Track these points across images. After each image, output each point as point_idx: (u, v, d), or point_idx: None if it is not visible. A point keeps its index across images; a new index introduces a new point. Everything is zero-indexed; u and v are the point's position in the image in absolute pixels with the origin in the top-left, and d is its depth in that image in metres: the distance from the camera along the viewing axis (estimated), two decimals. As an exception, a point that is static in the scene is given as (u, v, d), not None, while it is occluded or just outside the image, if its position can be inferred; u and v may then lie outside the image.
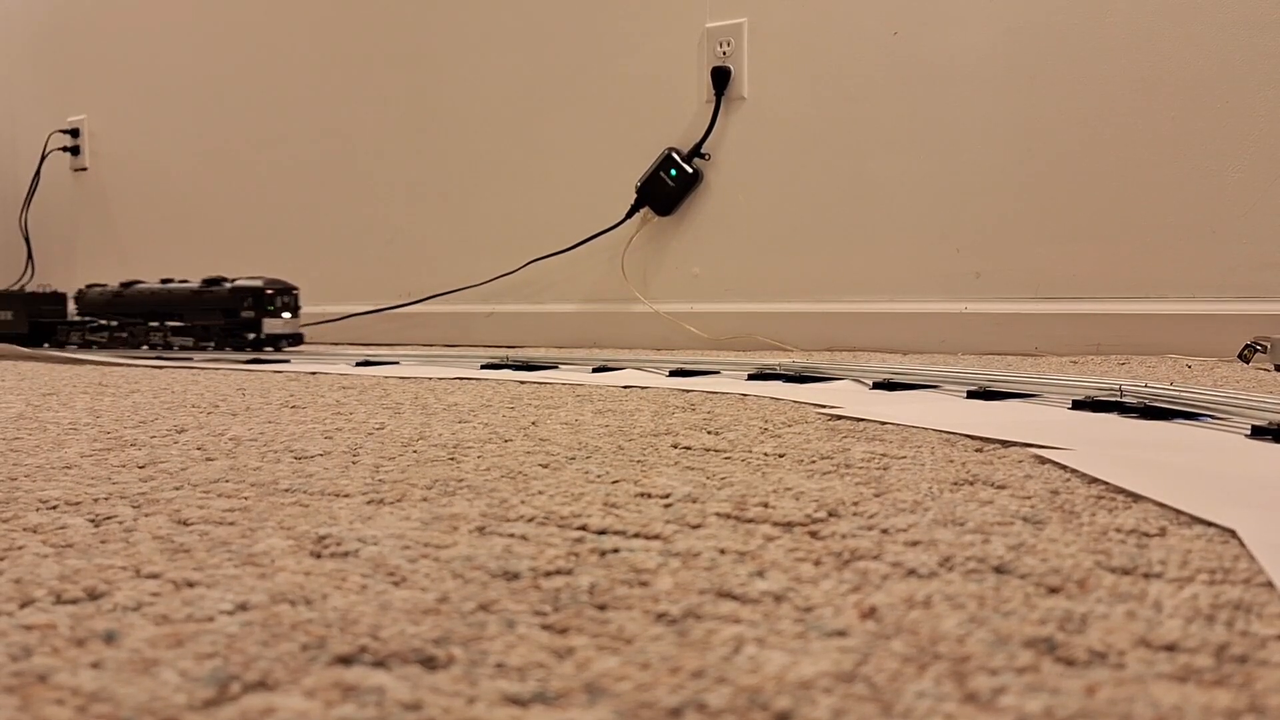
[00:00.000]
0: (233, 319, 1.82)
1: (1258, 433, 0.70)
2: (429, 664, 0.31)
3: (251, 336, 1.82)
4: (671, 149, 1.94)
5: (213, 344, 1.83)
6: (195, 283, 1.90)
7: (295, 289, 1.87)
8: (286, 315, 1.84)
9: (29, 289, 2.23)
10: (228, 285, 1.85)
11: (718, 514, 0.50)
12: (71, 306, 2.10)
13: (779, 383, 1.18)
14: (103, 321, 2.00)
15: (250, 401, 1.08)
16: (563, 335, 2.10)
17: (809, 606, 0.35)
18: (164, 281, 1.96)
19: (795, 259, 1.87)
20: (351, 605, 0.36)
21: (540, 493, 0.56)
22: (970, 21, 1.70)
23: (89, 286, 2.04)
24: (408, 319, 2.29)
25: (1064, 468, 0.61)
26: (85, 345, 2.00)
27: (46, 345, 2.06)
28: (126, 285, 1.99)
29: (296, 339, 1.86)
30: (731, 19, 1.90)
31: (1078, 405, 0.88)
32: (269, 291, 1.82)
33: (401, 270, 2.34)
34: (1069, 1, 1.62)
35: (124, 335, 1.95)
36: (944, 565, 0.40)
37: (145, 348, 1.91)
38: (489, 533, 0.47)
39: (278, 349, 1.83)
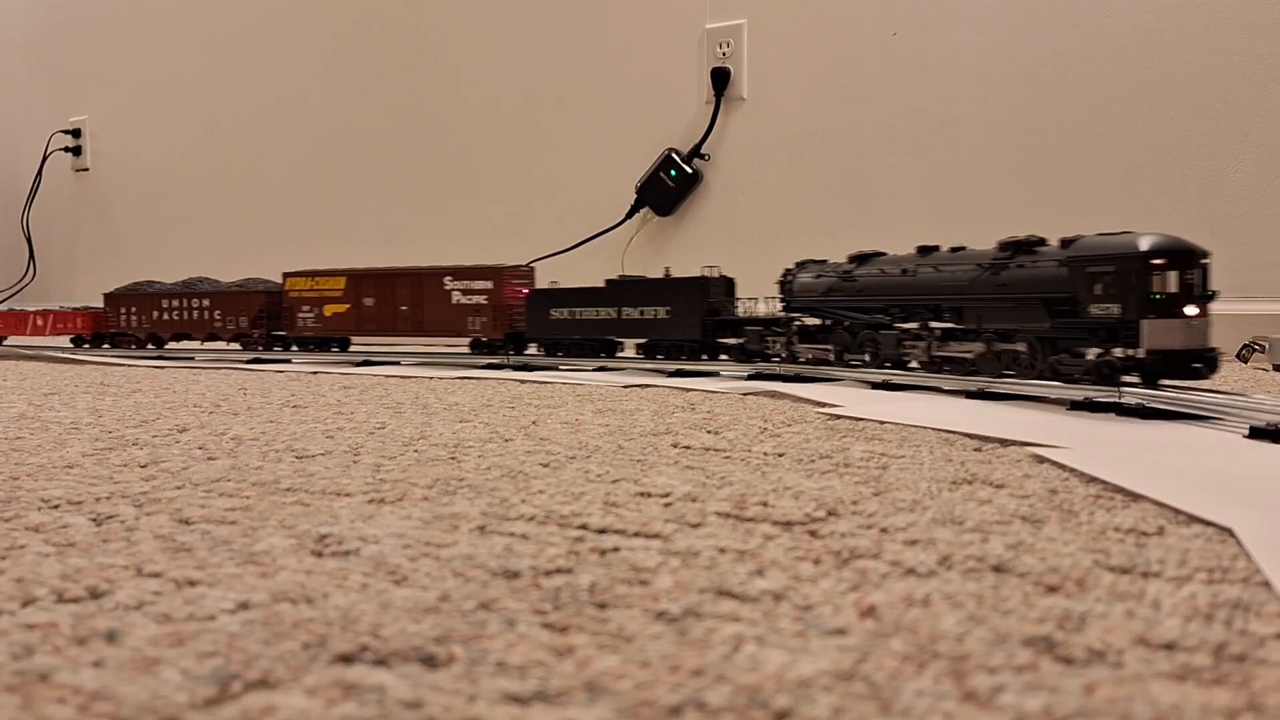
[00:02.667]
0: (1074, 320, 0.93)
1: (1256, 434, 0.70)
2: (430, 662, 0.31)
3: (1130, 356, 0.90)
4: (671, 149, 1.95)
5: (1076, 370, 0.93)
6: (989, 250, 1.04)
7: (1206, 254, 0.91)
8: (1191, 311, 0.88)
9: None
10: (1065, 251, 0.96)
11: (717, 513, 0.50)
12: (742, 309, 1.40)
13: (779, 382, 1.18)
14: (819, 321, 1.27)
15: (252, 401, 1.08)
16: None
17: (808, 605, 0.36)
18: (923, 252, 1.12)
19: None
20: (352, 604, 0.36)
21: (541, 492, 0.56)
22: (969, 22, 1.70)
23: (800, 266, 1.30)
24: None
25: (1063, 467, 0.61)
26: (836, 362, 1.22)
27: (757, 363, 1.30)
28: (862, 259, 1.20)
29: (1208, 363, 0.89)
30: (731, 20, 1.91)
31: (1076, 406, 0.88)
32: (1163, 261, 0.88)
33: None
34: (1068, 2, 1.62)
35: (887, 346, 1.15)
36: (943, 564, 0.40)
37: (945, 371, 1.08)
38: (489, 532, 0.47)
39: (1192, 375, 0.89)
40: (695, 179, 1.94)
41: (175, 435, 0.82)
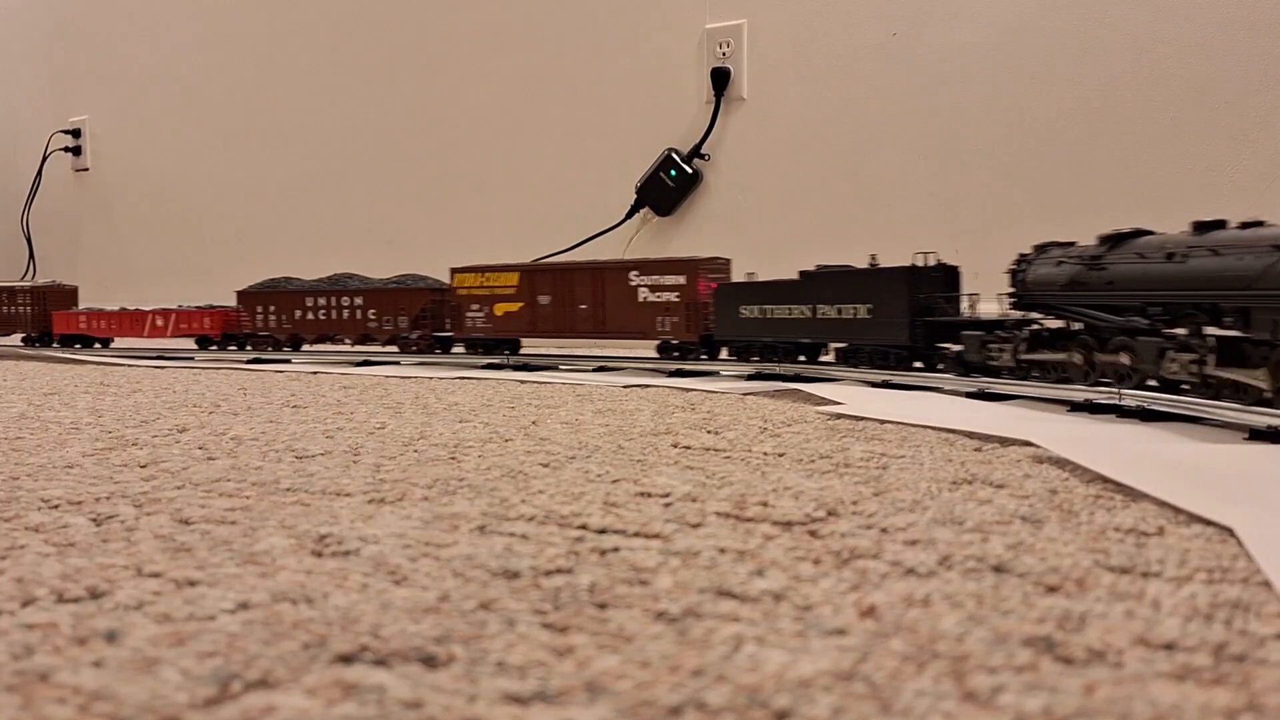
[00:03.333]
0: None
1: (1256, 436, 0.70)
2: (430, 662, 0.31)
3: None
4: (671, 149, 1.94)
5: None
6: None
7: None
8: None
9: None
10: None
11: (717, 513, 0.50)
12: (967, 306, 1.16)
13: (779, 382, 1.18)
14: (1061, 323, 1.00)
15: (252, 401, 1.08)
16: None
17: (808, 605, 0.36)
18: (1200, 229, 0.89)
19: (795, 258, 1.87)
20: (352, 604, 0.36)
21: (540, 492, 0.56)
22: (969, 22, 1.70)
23: (1040, 250, 1.04)
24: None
25: (1063, 467, 0.61)
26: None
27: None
28: (1116, 240, 0.95)
29: None
30: (731, 20, 1.90)
31: (1077, 408, 0.88)
32: None
33: (402, 270, 2.34)
34: (1068, 2, 1.62)
35: None
36: (943, 564, 0.40)
37: None
38: (489, 532, 0.47)
39: None
40: (695, 179, 1.94)
41: (175, 435, 0.82)
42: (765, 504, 0.51)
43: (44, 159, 2.99)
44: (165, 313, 2.02)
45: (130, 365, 1.76)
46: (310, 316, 1.85)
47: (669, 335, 1.44)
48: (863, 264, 1.23)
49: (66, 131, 2.97)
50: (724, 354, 1.40)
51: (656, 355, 1.47)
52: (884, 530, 0.46)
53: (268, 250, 2.59)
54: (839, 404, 0.96)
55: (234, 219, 2.67)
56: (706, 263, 1.45)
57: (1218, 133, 1.55)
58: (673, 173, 1.95)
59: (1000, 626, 0.33)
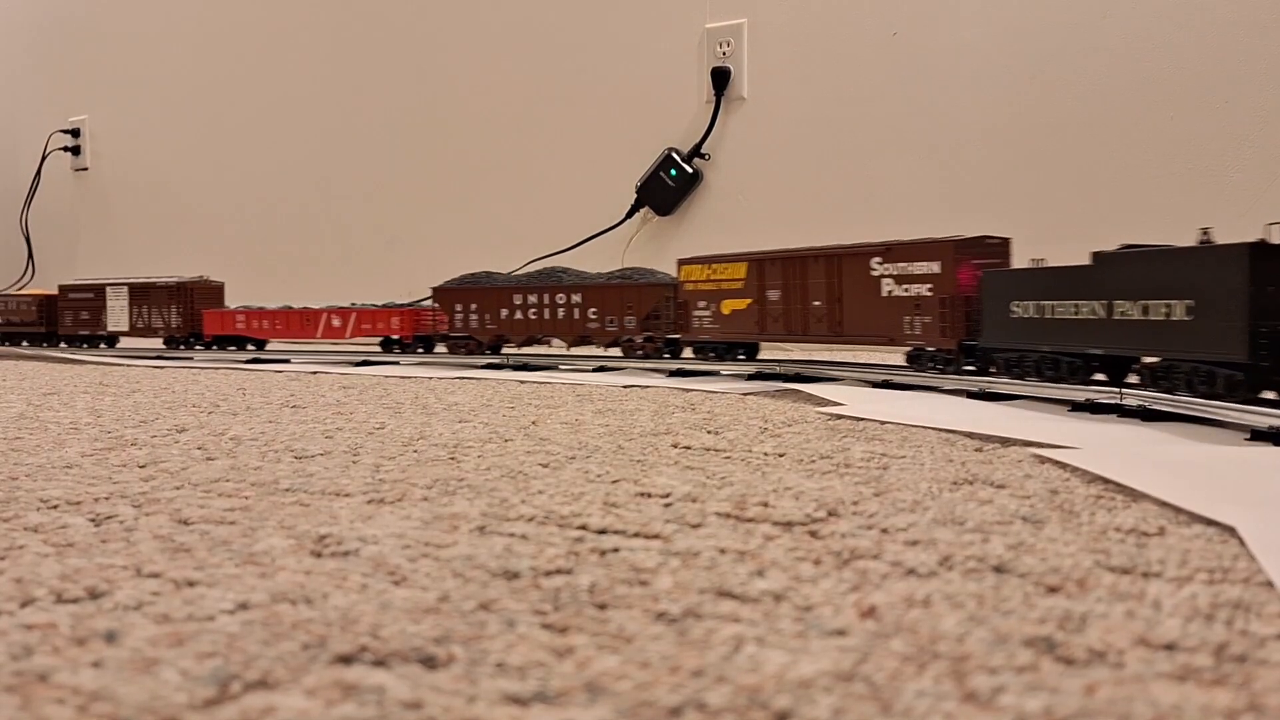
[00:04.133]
0: None
1: (1258, 436, 0.70)
2: (429, 663, 0.31)
3: None
4: (671, 149, 1.94)
5: None
6: None
7: None
8: None
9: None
10: None
11: (717, 513, 0.50)
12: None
13: (779, 382, 1.18)
14: None
15: (251, 401, 1.08)
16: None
17: (809, 606, 0.36)
18: None
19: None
20: (352, 604, 0.36)
21: (540, 492, 0.56)
22: (969, 22, 1.70)
23: None
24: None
25: (1064, 467, 0.61)
26: None
27: None
28: None
29: None
30: (731, 19, 1.90)
31: (1078, 408, 0.88)
32: None
33: (401, 269, 2.34)
34: (1069, 2, 1.62)
35: None
36: (943, 564, 0.40)
37: None
38: (489, 532, 0.47)
39: None
40: (695, 178, 1.94)
41: (174, 435, 0.82)
42: (766, 504, 0.51)
43: (43, 158, 2.99)
44: (343, 312, 1.78)
45: (129, 365, 1.75)
46: (519, 316, 1.61)
47: (919, 340, 1.11)
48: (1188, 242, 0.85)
49: (66, 131, 2.97)
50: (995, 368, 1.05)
51: (906, 364, 1.15)
52: (885, 531, 0.46)
53: (267, 249, 2.59)
54: (839, 404, 0.96)
55: (233, 218, 2.67)
56: (971, 244, 1.10)
57: (1218, 132, 1.55)
58: (673, 172, 1.95)
59: (1001, 627, 0.33)
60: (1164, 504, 0.51)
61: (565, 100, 2.12)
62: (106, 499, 0.56)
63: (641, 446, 0.72)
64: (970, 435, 0.75)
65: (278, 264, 2.57)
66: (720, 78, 1.89)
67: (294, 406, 1.02)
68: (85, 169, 2.95)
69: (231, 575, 0.40)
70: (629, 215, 2.00)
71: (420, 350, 1.74)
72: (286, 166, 2.55)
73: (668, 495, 0.54)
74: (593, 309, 1.54)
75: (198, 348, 1.98)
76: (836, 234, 1.82)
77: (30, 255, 3.06)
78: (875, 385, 1.10)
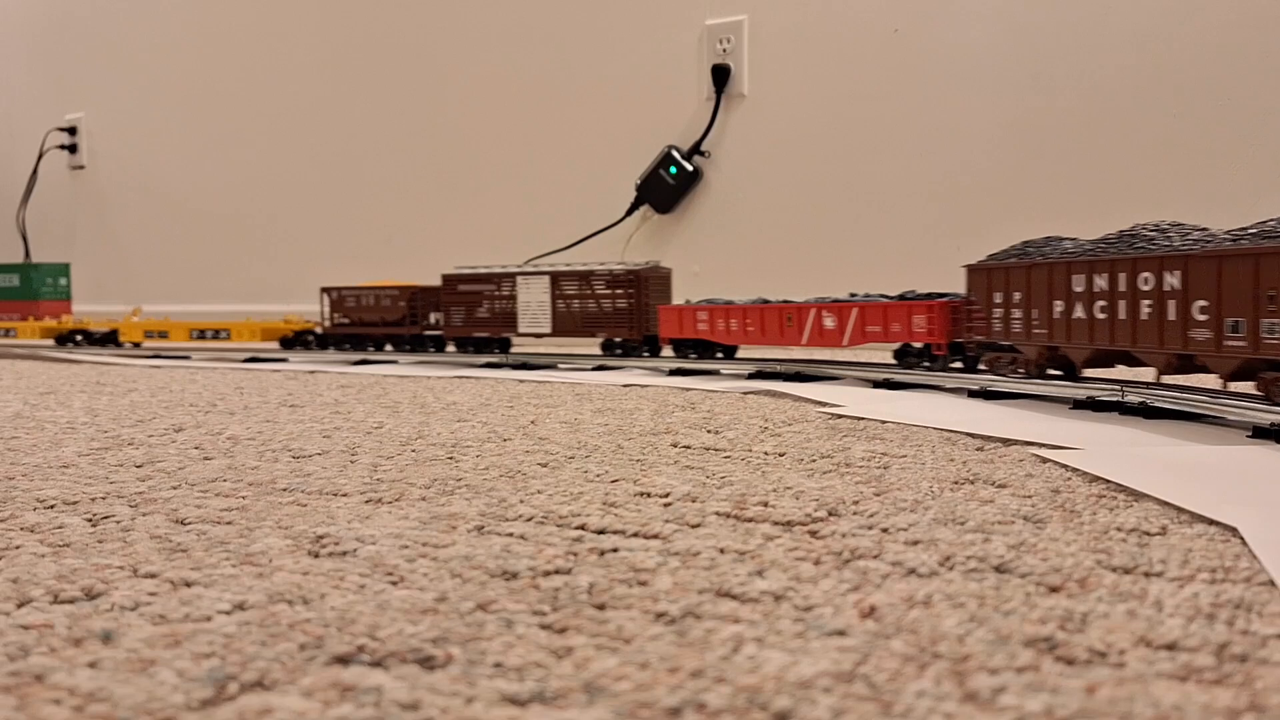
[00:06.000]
0: None
1: (1259, 434, 0.70)
2: (427, 663, 0.30)
3: None
4: (671, 147, 1.94)
5: None
6: None
7: None
8: None
9: None
10: None
11: (717, 513, 0.50)
12: None
13: (779, 381, 1.18)
14: None
15: (248, 400, 1.08)
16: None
17: (809, 606, 0.35)
18: None
19: (795, 256, 1.87)
20: (349, 605, 0.36)
21: (539, 492, 0.56)
22: (971, 19, 1.69)
23: None
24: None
25: (1065, 466, 0.61)
26: None
27: None
28: None
29: None
30: (731, 16, 1.90)
31: (1079, 405, 0.88)
32: None
33: (401, 268, 2.33)
34: (1070, 1, 1.62)
35: None
36: (944, 564, 0.40)
37: None
38: (487, 532, 0.47)
39: None
40: (695, 176, 1.94)
41: (171, 435, 0.82)
42: (766, 504, 0.51)
43: (40, 156, 2.98)
44: (838, 307, 1.21)
45: (126, 364, 1.75)
46: (1079, 313, 0.91)
47: None
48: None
49: (62, 129, 2.96)
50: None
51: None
52: (885, 530, 0.46)
53: (266, 249, 2.59)
54: (839, 404, 0.95)
55: (231, 218, 2.66)
56: None
57: (1218, 132, 1.54)
58: (673, 170, 1.94)
59: (1002, 627, 0.33)
60: (1166, 503, 0.50)
61: (564, 97, 2.11)
62: (103, 499, 0.55)
63: (641, 446, 0.72)
64: (971, 434, 0.75)
65: (276, 263, 2.56)
66: (720, 75, 1.89)
67: (291, 406, 1.02)
68: (82, 167, 2.95)
69: (229, 575, 0.40)
70: (629, 213, 1.99)
71: (957, 363, 1.12)
72: (284, 164, 2.54)
73: (667, 495, 0.54)
74: (1201, 301, 0.78)
75: (645, 355, 1.46)
76: (836, 233, 1.82)
77: (27, 253, 3.06)
78: (876, 384, 1.10)
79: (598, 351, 1.49)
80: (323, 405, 1.02)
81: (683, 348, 1.40)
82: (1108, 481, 0.56)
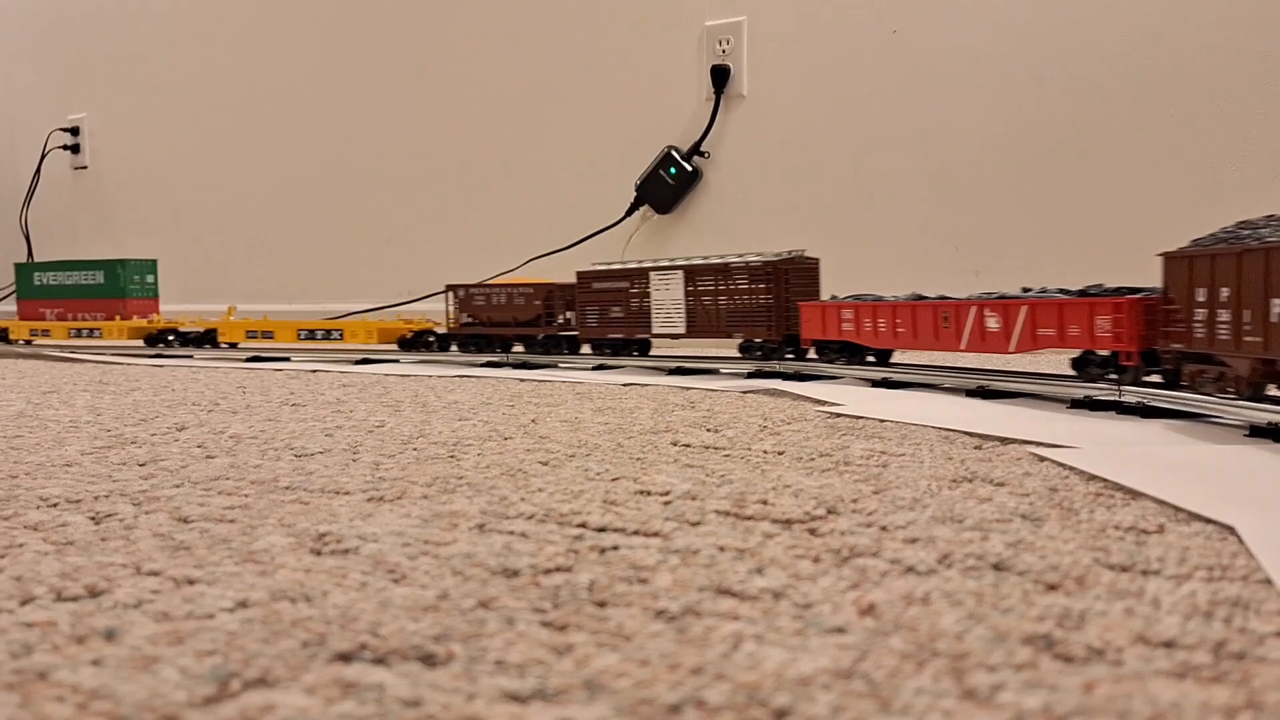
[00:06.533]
0: None
1: (1256, 433, 0.70)
2: (429, 661, 0.31)
3: None
4: (671, 147, 1.94)
5: None
6: None
7: None
8: None
9: None
10: None
11: (717, 511, 0.50)
12: None
13: (779, 380, 1.18)
14: None
15: (250, 399, 1.08)
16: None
17: (808, 603, 0.36)
18: None
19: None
20: (351, 602, 0.36)
21: (540, 490, 0.56)
22: (969, 20, 1.69)
23: None
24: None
25: (1063, 465, 0.61)
26: None
27: None
28: None
29: None
30: (731, 17, 1.90)
31: (1076, 404, 0.88)
32: None
33: (401, 269, 2.34)
34: (1069, 1, 1.62)
35: None
36: (943, 562, 0.40)
37: None
38: (489, 530, 0.47)
39: None
40: (695, 176, 1.94)
41: (174, 433, 0.82)
42: (765, 502, 0.51)
43: (42, 157, 2.98)
44: (1003, 304, 1.01)
45: (129, 363, 1.75)
46: None
47: None
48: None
49: (65, 129, 2.96)
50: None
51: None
52: (884, 528, 0.46)
53: (267, 248, 2.59)
54: (839, 403, 0.96)
55: (232, 217, 2.66)
56: None
57: (1218, 131, 1.55)
58: (672, 170, 1.94)
59: (1000, 624, 0.33)
60: (1163, 502, 0.51)
61: (564, 98, 2.11)
62: (106, 497, 0.56)
63: (641, 444, 0.72)
64: (969, 433, 0.76)
65: (277, 262, 2.57)
66: (720, 75, 1.89)
67: (293, 404, 1.02)
68: (84, 167, 2.95)
69: (231, 573, 0.40)
70: (628, 213, 1.99)
71: (1154, 376, 0.88)
72: (285, 164, 2.55)
73: (667, 493, 0.54)
74: None
75: (789, 359, 1.28)
76: (836, 231, 1.82)
77: (30, 253, 3.06)
78: (874, 383, 1.10)
79: (736, 354, 1.34)
80: (325, 404, 1.02)
81: (825, 350, 1.24)
82: (1105, 480, 0.56)
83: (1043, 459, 0.64)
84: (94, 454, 0.71)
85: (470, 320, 1.61)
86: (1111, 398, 0.86)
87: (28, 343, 2.14)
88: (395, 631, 0.33)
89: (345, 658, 0.31)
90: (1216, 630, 0.32)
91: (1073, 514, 0.48)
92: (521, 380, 1.27)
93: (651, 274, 1.40)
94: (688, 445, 0.72)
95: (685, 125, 1.96)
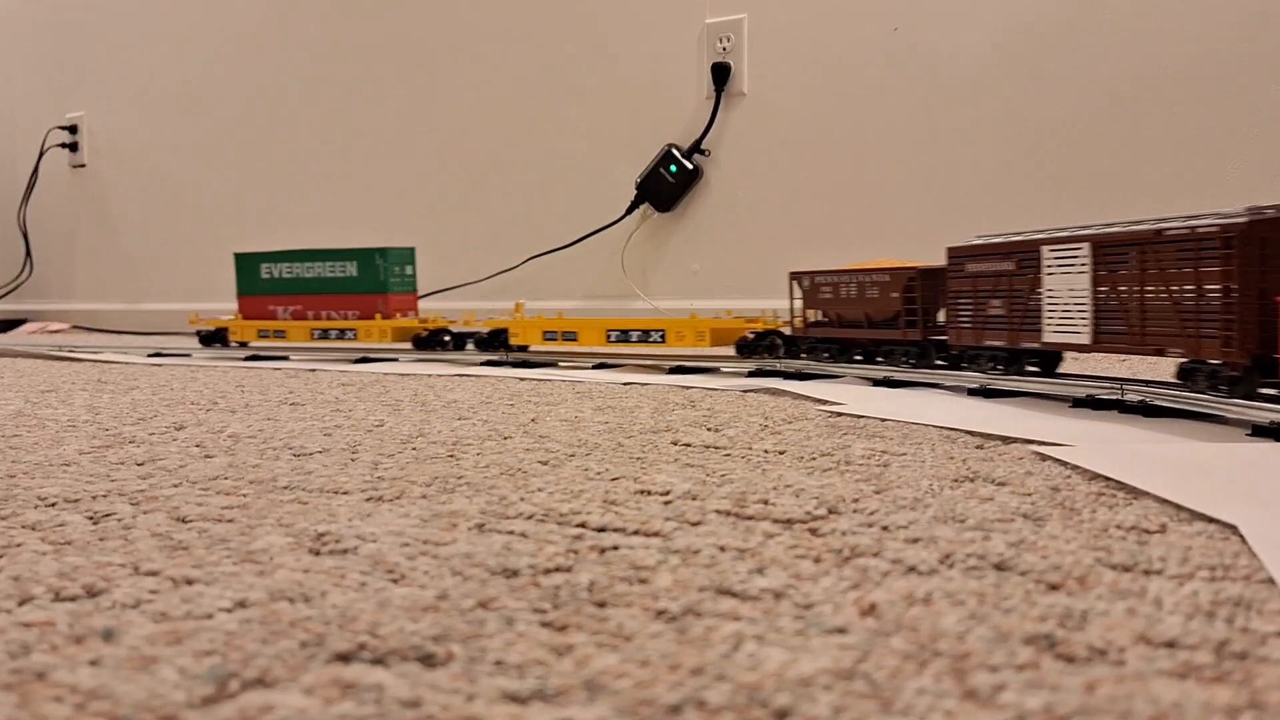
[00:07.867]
0: None
1: (1259, 432, 0.70)
2: (428, 661, 0.30)
3: None
4: (671, 145, 1.94)
5: None
6: None
7: None
8: None
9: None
10: None
11: (717, 511, 0.50)
12: None
13: (779, 380, 1.18)
14: None
15: (249, 398, 1.08)
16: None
17: (809, 604, 0.35)
18: None
19: (795, 255, 1.87)
20: (350, 602, 0.36)
21: (540, 490, 0.56)
22: (970, 17, 1.69)
23: None
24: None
25: (1065, 464, 0.61)
26: None
27: None
28: None
29: None
30: (731, 15, 1.90)
31: (1079, 404, 0.88)
32: None
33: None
34: (1070, 1, 1.62)
35: None
36: (944, 562, 0.40)
37: None
38: (488, 530, 0.47)
39: None
40: (696, 175, 1.94)
41: (172, 433, 0.82)
42: (766, 501, 0.51)
43: (40, 155, 2.98)
44: None
45: (127, 363, 1.75)
46: None
47: None
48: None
49: (63, 128, 2.96)
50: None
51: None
52: (885, 528, 0.46)
53: (267, 248, 2.58)
54: (840, 402, 0.96)
55: (231, 216, 2.66)
56: None
57: (1218, 131, 1.54)
58: (673, 168, 1.94)
59: (1002, 624, 0.33)
60: (1165, 501, 0.51)
61: (564, 96, 2.11)
62: (104, 496, 0.56)
63: (641, 444, 0.72)
64: (971, 432, 0.75)
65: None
66: (720, 73, 1.88)
67: (292, 404, 1.02)
68: (83, 166, 2.95)
69: (230, 573, 0.40)
70: (628, 212, 1.99)
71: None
72: (284, 164, 2.54)
73: (667, 493, 0.54)
74: None
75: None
76: (835, 231, 1.82)
77: (28, 252, 3.06)
78: (876, 383, 1.10)
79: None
80: (323, 403, 1.02)
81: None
82: (1107, 479, 0.56)
83: (1045, 458, 0.64)
84: (92, 453, 0.71)
85: (821, 320, 1.22)
86: (1114, 397, 0.86)
87: (243, 344, 1.76)
88: (394, 632, 0.33)
89: (344, 658, 0.31)
90: (1219, 630, 0.32)
91: (1075, 513, 0.48)
92: (521, 379, 1.27)
93: (1044, 249, 0.92)
94: (688, 444, 0.72)
95: (686, 123, 1.96)
